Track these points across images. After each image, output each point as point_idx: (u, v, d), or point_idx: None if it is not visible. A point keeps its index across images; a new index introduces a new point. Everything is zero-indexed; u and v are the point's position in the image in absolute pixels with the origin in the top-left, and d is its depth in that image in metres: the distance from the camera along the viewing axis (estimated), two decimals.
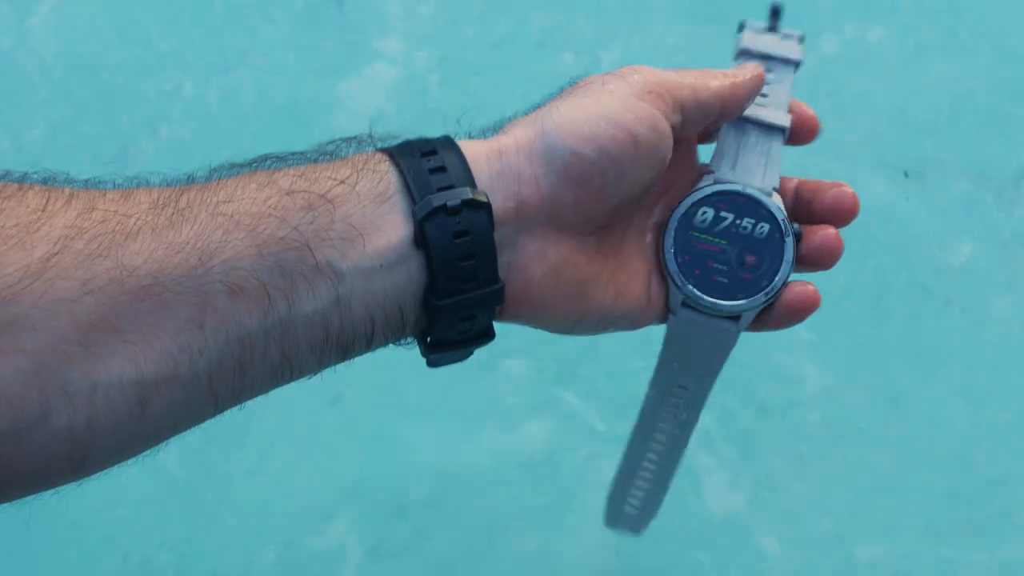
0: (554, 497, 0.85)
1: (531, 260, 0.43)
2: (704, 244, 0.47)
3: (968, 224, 0.90)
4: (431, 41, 0.96)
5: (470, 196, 0.41)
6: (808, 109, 0.50)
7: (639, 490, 0.56)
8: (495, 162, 0.43)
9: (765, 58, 0.49)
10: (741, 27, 0.51)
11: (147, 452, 0.42)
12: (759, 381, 0.88)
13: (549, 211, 0.43)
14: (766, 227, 0.46)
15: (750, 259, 0.47)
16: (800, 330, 0.88)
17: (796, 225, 0.47)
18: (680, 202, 0.47)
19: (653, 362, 0.89)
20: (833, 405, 0.87)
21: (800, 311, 0.48)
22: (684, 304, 0.47)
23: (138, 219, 0.38)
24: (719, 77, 0.46)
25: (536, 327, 0.46)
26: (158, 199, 0.39)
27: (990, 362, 0.87)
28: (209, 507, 0.85)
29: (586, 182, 0.43)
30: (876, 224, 0.90)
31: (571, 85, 0.46)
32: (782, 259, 0.47)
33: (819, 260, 0.48)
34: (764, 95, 0.48)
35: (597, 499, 0.85)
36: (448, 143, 0.43)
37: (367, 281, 0.40)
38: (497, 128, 0.46)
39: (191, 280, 0.38)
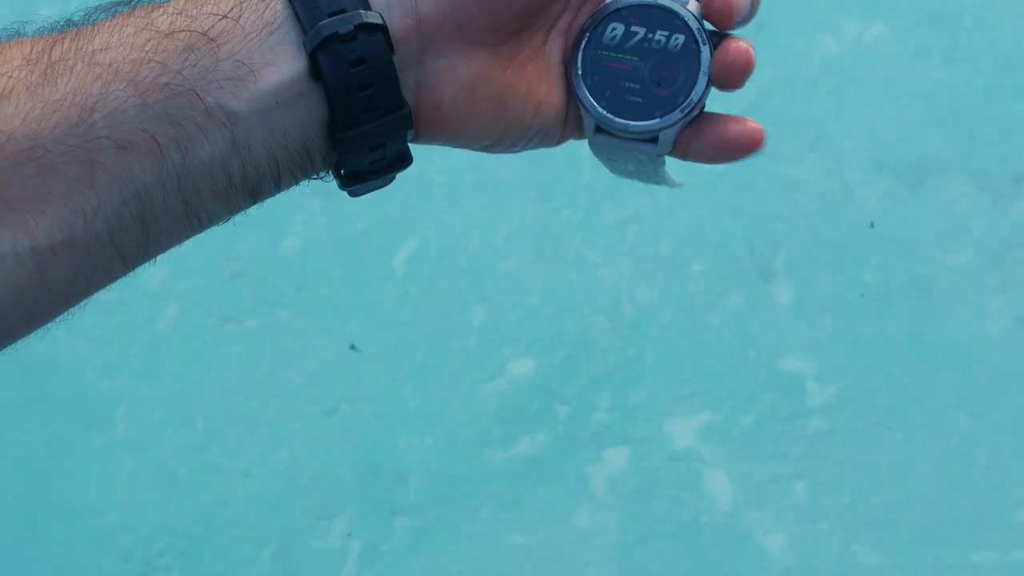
0: (554, 498, 0.85)
1: (440, 80, 0.41)
2: (614, 63, 0.43)
3: (968, 224, 0.90)
4: None
5: (363, 19, 0.38)
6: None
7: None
8: None
9: None
10: None
11: (60, 318, 0.40)
12: (759, 381, 0.88)
13: (453, 24, 0.40)
14: (680, 38, 0.43)
15: (665, 74, 0.43)
16: (800, 328, 0.88)
17: (712, 34, 0.43)
18: (588, 21, 0.43)
19: (650, 359, 0.88)
20: (834, 405, 0.87)
21: (740, 147, 0.43)
22: (598, 129, 0.44)
23: (10, 78, 0.36)
24: None
25: (456, 147, 0.44)
26: (31, 52, 0.37)
27: (993, 361, 0.87)
28: (208, 508, 0.85)
29: None
30: (876, 223, 0.90)
31: None
32: (698, 71, 0.43)
33: (728, 77, 0.43)
34: None
35: (598, 500, 0.85)
36: None
37: (264, 120, 0.38)
38: None
39: (73, 138, 0.36)
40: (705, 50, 0.43)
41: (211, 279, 0.92)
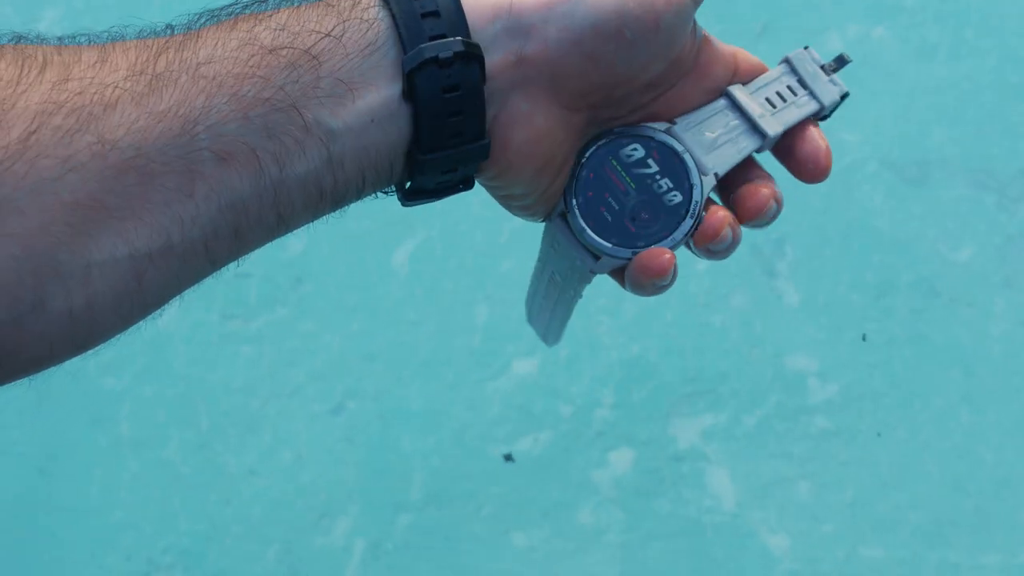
0: (556, 497, 0.85)
1: (517, 120, 0.42)
2: (614, 175, 0.45)
3: (972, 222, 0.90)
4: None
5: (462, 48, 0.39)
6: (823, 150, 0.46)
7: (541, 317, 0.55)
8: (503, 15, 0.41)
9: (801, 81, 0.47)
10: (805, 47, 0.49)
11: (152, 317, 0.40)
12: (763, 380, 0.88)
13: (550, 73, 0.41)
14: (678, 198, 0.45)
15: (644, 216, 0.45)
16: (804, 327, 0.88)
17: (704, 214, 0.45)
18: (624, 127, 0.45)
19: (654, 358, 0.88)
20: (837, 403, 0.87)
21: (648, 272, 0.45)
22: (560, 215, 0.46)
23: (116, 87, 0.36)
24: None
25: (490, 190, 0.45)
26: (135, 62, 0.37)
27: (996, 359, 0.87)
28: (213, 506, 0.85)
29: (597, 56, 0.41)
30: (880, 222, 0.90)
31: None
32: (671, 235, 0.45)
33: (752, 221, 0.46)
34: (773, 105, 0.46)
35: (601, 499, 0.85)
36: None
37: (359, 138, 0.39)
38: None
39: (176, 149, 0.36)
40: (688, 224, 0.44)
41: (215, 278, 0.92)
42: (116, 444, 0.87)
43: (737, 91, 0.46)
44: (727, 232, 0.45)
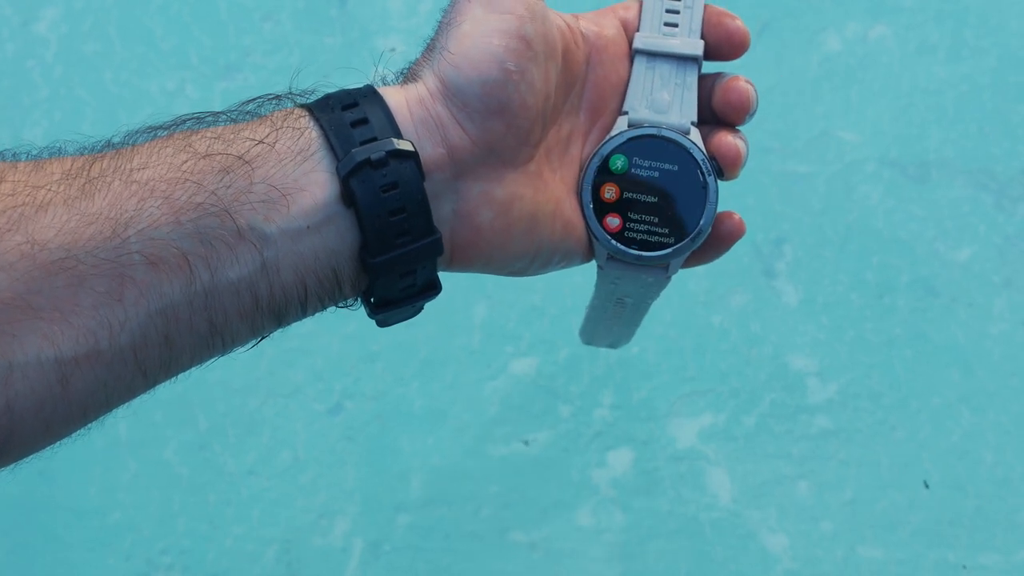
0: (555, 497, 0.85)
1: (477, 204, 0.42)
2: (623, 194, 0.45)
3: (971, 222, 0.90)
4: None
5: (395, 147, 0.40)
6: (734, 21, 0.46)
7: (605, 337, 0.55)
8: (417, 109, 0.41)
9: None
10: None
11: (77, 432, 0.40)
12: (762, 380, 0.88)
13: (485, 148, 0.42)
14: (685, 169, 0.45)
15: (674, 203, 0.45)
16: (803, 327, 0.88)
17: (716, 161, 0.45)
18: (594, 153, 0.45)
19: (653, 358, 0.88)
20: (837, 403, 0.87)
21: (726, 241, 0.46)
22: (610, 258, 0.46)
23: (49, 190, 0.36)
24: None
25: (488, 272, 0.45)
26: (70, 168, 0.37)
27: (995, 359, 0.87)
28: (212, 507, 0.85)
29: (504, 105, 0.41)
30: (879, 222, 0.90)
31: (442, 15, 0.44)
32: (705, 201, 0.45)
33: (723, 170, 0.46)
34: (674, 24, 0.45)
35: (600, 498, 0.85)
36: (370, 93, 0.42)
37: (295, 243, 0.39)
38: (406, 71, 0.44)
39: (106, 252, 0.36)
40: (711, 180, 0.45)
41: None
42: (114, 445, 0.87)
43: (644, 40, 0.46)
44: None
